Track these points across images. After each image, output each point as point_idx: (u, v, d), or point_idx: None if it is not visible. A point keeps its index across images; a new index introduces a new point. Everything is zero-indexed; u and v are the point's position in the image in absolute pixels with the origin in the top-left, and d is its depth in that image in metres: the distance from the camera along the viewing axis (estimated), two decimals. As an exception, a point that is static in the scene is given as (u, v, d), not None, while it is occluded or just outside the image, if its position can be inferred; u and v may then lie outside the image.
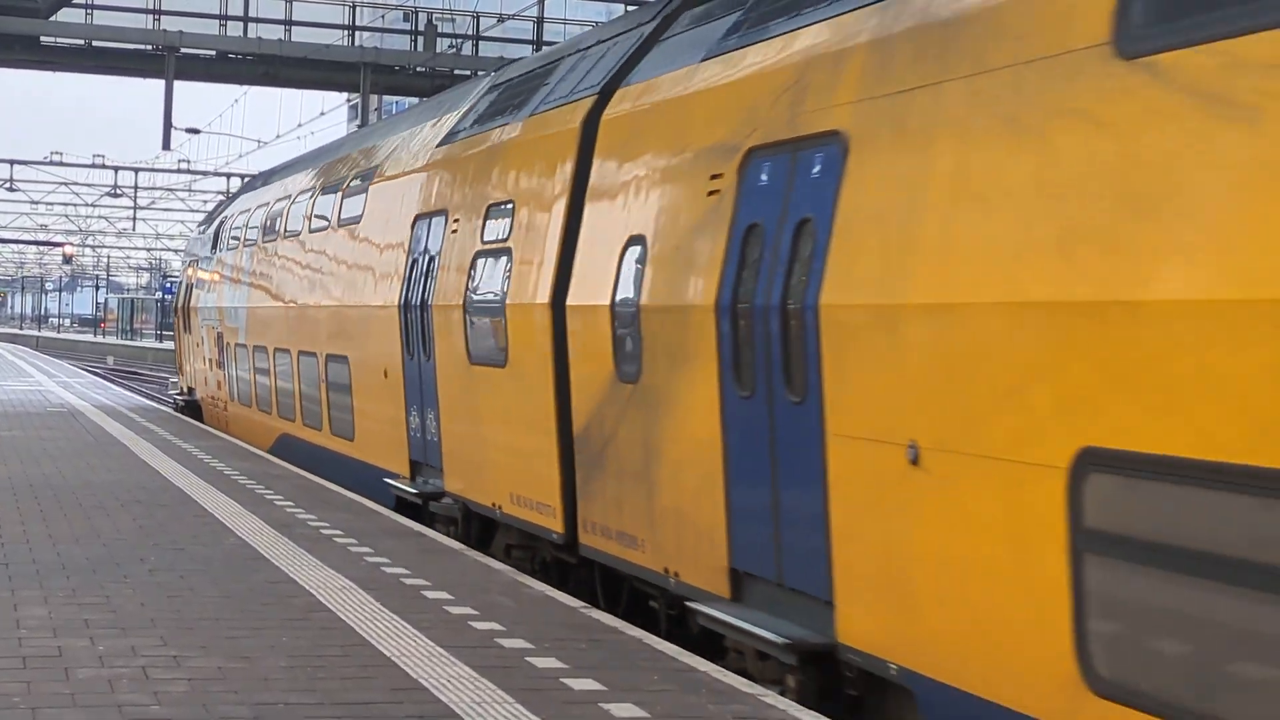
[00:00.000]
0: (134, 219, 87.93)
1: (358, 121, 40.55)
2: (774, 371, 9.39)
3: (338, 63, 36.54)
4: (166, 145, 37.66)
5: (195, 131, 52.59)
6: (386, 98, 40.77)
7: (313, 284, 21.43)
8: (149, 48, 35.90)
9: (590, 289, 12.24)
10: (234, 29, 37.17)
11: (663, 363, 10.94)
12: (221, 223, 30.31)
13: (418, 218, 17.03)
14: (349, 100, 53.42)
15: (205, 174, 72.08)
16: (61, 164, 77.21)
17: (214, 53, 36.74)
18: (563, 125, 13.40)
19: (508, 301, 13.88)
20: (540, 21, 38.21)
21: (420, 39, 37.63)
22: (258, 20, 37.29)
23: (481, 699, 8.15)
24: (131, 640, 9.39)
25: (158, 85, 36.25)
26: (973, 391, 7.48)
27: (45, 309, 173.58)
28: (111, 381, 47.96)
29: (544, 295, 13.07)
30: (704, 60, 11.22)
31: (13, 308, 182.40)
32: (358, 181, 20.18)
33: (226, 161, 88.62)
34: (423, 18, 37.81)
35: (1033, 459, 7.01)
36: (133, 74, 37.81)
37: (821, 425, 8.84)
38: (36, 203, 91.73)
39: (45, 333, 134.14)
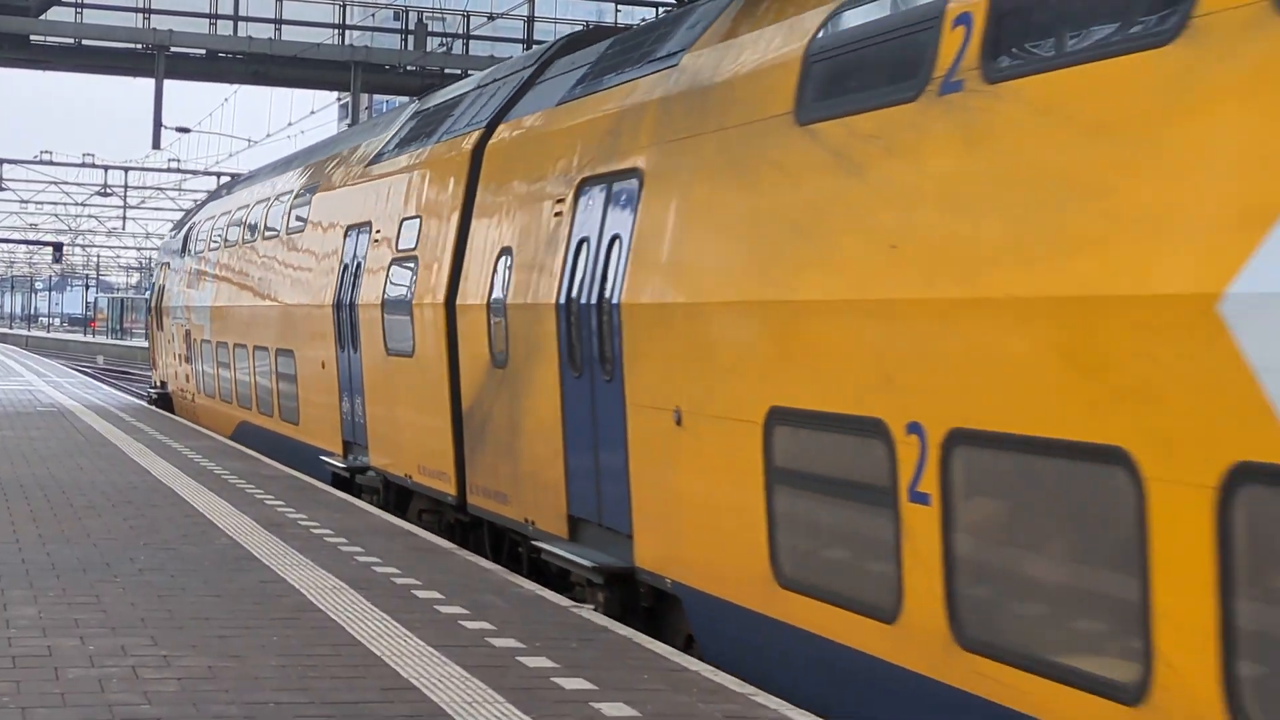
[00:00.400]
0: (124, 218, 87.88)
1: (348, 120, 40.53)
2: (593, 356, 11.93)
3: (328, 62, 36.51)
4: (156, 144, 37.62)
5: (185, 130, 52.52)
6: (377, 96, 40.76)
7: (266, 285, 23.78)
8: (139, 47, 35.86)
9: (474, 291, 14.70)
10: (224, 28, 37.13)
11: (522, 351, 13.47)
12: (190, 228, 32.77)
13: (349, 228, 19.47)
14: (339, 99, 53.39)
15: (195, 173, 71.98)
16: (51, 163, 77.06)
17: (204, 52, 36.70)
18: (457, 152, 16.02)
19: (413, 301, 16.36)
20: (531, 20, 38.21)
21: (410, 38, 37.61)
22: (248, 19, 37.26)
23: (472, 698, 8.15)
24: (122, 640, 9.39)
25: (148, 84, 36.20)
26: (709, 369, 10.17)
27: (35, 308, 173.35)
28: (101, 381, 47.90)
29: (440, 296, 15.58)
30: (558, 104, 13.90)
31: (2, 307, 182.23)
32: (304, 194, 22.49)
33: (217, 160, 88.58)
34: (413, 17, 37.79)
35: (743, 417, 9.63)
36: (123, 73, 37.77)
37: (623, 398, 11.37)
38: (26, 202, 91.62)
39: (35, 332, 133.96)
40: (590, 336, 11.95)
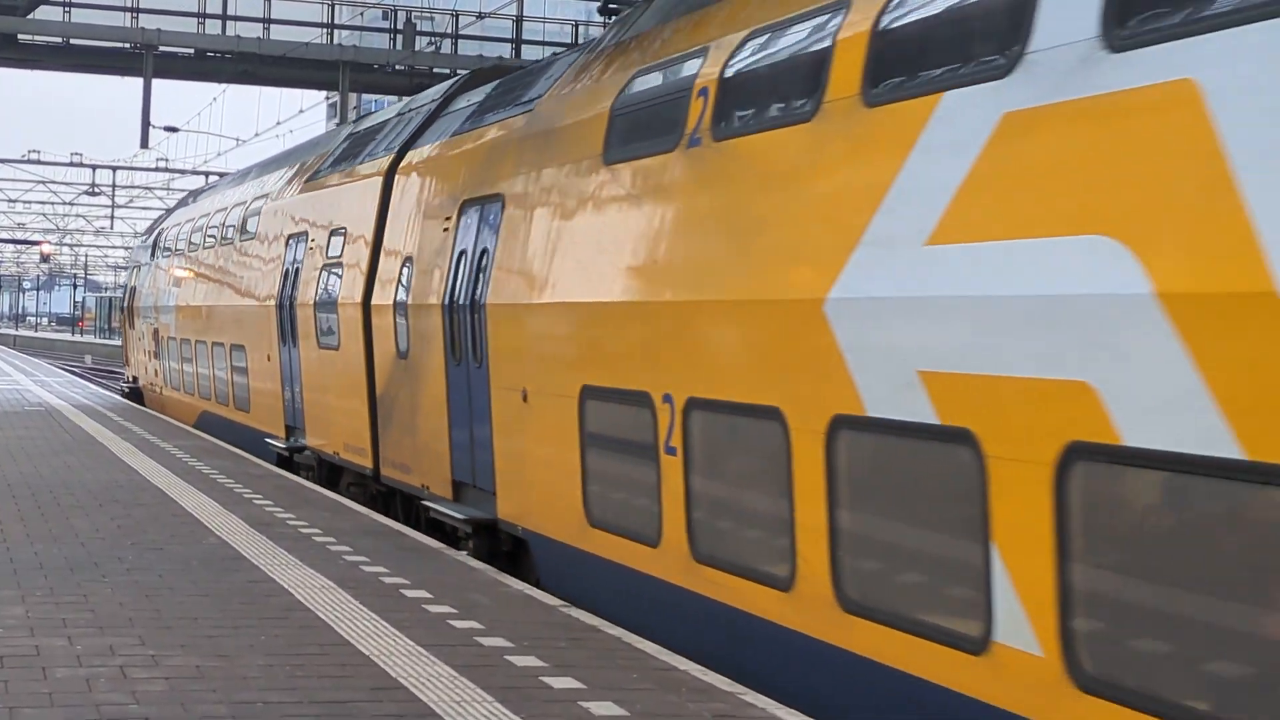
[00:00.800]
0: (112, 217, 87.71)
1: (336, 120, 40.49)
2: (468, 347, 14.57)
3: (316, 61, 36.47)
4: (145, 143, 37.56)
5: (174, 130, 52.45)
6: (365, 95, 40.74)
7: (223, 287, 26.46)
8: (127, 46, 35.81)
9: (385, 293, 17.42)
10: (212, 27, 37.09)
11: (418, 344, 16.19)
12: (159, 233, 35.91)
13: (289, 237, 22.31)
14: (328, 98, 53.33)
15: (184, 172, 71.87)
16: (39, 162, 76.98)
17: (192, 51, 36.65)
18: (373, 173, 18.75)
19: (339, 302, 19.11)
20: (519, 20, 38.20)
21: (399, 37, 37.58)
22: (236, 19, 37.21)
23: (461, 698, 8.15)
24: (109, 639, 9.37)
25: (136, 83, 36.12)
26: (544, 356, 12.92)
27: (23, 308, 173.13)
28: (89, 380, 47.82)
29: (358, 298, 18.29)
30: (451, 136, 16.64)
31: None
32: (255, 205, 25.29)
33: (205, 160, 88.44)
34: (401, 16, 37.77)
35: (565, 394, 12.27)
36: (111, 72, 37.72)
37: (488, 381, 14.08)
38: (14, 201, 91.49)
39: (23, 331, 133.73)
40: (466, 331, 14.69)
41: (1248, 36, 6.17)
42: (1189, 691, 6.36)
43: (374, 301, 17.72)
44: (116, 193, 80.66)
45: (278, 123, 54.95)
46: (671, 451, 10.56)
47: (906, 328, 8.10)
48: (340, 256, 19.34)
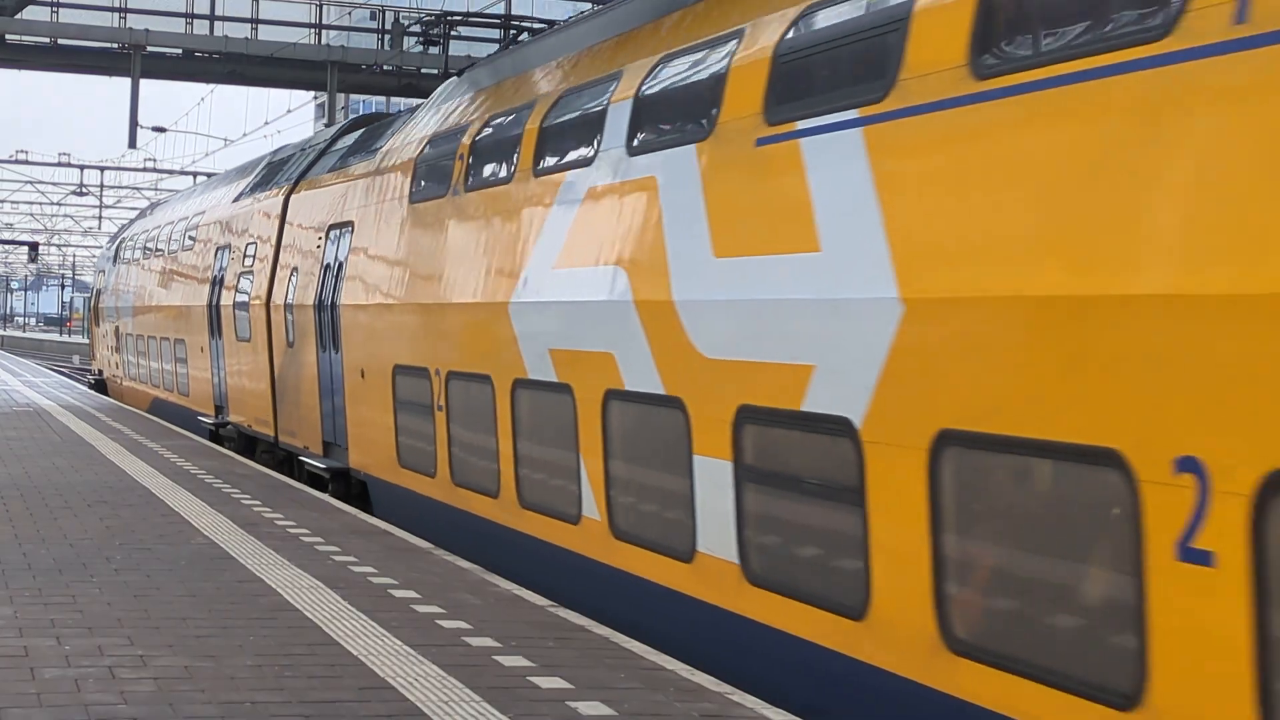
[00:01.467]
0: (100, 218, 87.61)
1: (324, 120, 40.46)
2: (331, 338, 18.84)
3: (304, 61, 36.45)
4: (133, 144, 37.52)
5: (161, 130, 52.39)
6: (353, 96, 40.70)
7: (169, 290, 31.14)
8: (115, 46, 35.76)
9: (280, 295, 21.77)
10: (200, 27, 37.06)
11: (300, 336, 20.56)
12: (120, 242, 40.37)
13: (218, 248, 26.84)
14: (316, 99, 53.26)
15: (172, 172, 71.80)
16: (27, 162, 76.86)
17: (180, 51, 36.60)
18: (276, 197, 23.36)
19: (250, 302, 23.48)
20: (506, 20, 38.16)
21: (387, 38, 37.56)
22: (224, 19, 37.19)
23: (449, 697, 8.16)
24: (98, 640, 9.38)
25: (124, 84, 36.10)
26: (373, 343, 17.17)
27: (10, 308, 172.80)
28: (78, 381, 47.75)
29: (262, 299, 22.72)
30: (328, 172, 21.11)
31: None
32: (195, 219, 30.03)
33: (193, 160, 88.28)
34: (389, 16, 37.75)
35: (385, 371, 16.64)
36: (99, 72, 37.65)
37: (343, 363, 18.38)
38: (2, 202, 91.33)
39: (10, 332, 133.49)
40: (329, 326, 19.06)
41: (681, 153, 10.75)
42: None
43: (273, 302, 22.16)
44: (105, 193, 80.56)
45: (265, 123, 55.06)
46: (440, 409, 15.12)
47: (543, 322, 12.63)
48: (252, 265, 23.92)
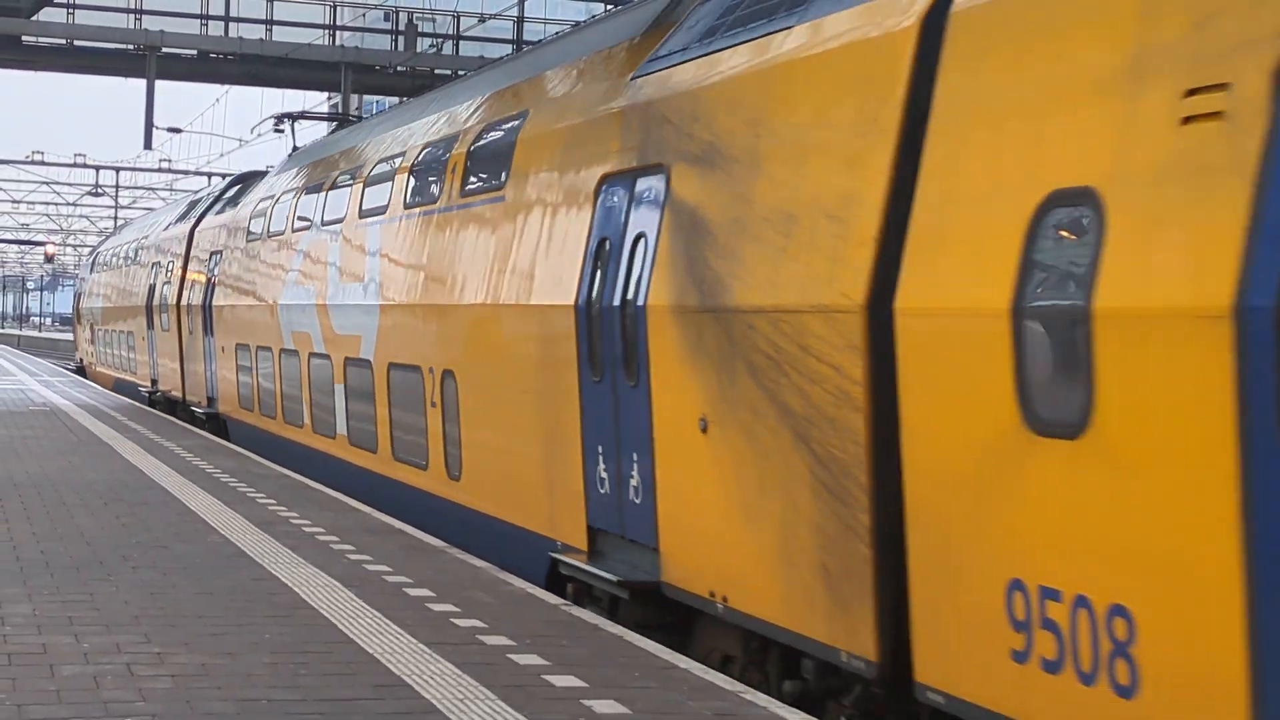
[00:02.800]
0: (115, 218, 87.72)
1: (337, 122, 40.50)
2: (209, 327, 26.52)
3: (318, 62, 36.54)
4: (148, 144, 37.63)
5: (177, 131, 52.51)
6: (367, 97, 40.75)
7: (126, 293, 39.65)
8: (130, 47, 35.88)
9: (185, 299, 29.60)
10: (215, 28, 37.16)
11: (195, 327, 27.97)
12: (97, 255, 51.38)
13: (153, 264, 35.13)
14: (330, 99, 53.31)
15: (187, 173, 71.97)
16: (43, 163, 77.04)
17: (195, 52, 36.71)
18: (186, 228, 31.48)
19: (168, 304, 31.59)
20: (520, 21, 38.25)
21: (401, 39, 37.64)
22: (239, 20, 37.29)
23: (464, 695, 8.22)
24: (116, 637, 9.45)
25: (139, 85, 36.21)
26: (228, 328, 25.29)
27: (26, 308, 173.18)
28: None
29: (173, 301, 30.90)
30: (214, 215, 29.69)
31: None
32: (144, 240, 38.41)
33: (208, 160, 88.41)
34: (403, 17, 37.83)
35: (230, 346, 25.21)
36: (114, 73, 37.79)
37: (215, 342, 26.17)
38: (18, 202, 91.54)
39: (27, 331, 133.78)
40: (209, 318, 26.93)
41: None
42: None
43: (182, 304, 30.25)
44: (120, 193, 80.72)
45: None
46: (246, 367, 24.00)
47: (364, 320, 17.49)
48: (170, 277, 32.19)
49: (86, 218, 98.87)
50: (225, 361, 25.74)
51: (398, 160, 17.38)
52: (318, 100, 49.37)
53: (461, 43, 38.27)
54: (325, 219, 19.99)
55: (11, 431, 24.21)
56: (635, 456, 10.61)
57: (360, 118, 30.05)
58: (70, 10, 35.92)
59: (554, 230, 12.27)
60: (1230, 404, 5.74)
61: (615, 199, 11.20)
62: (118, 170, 77.23)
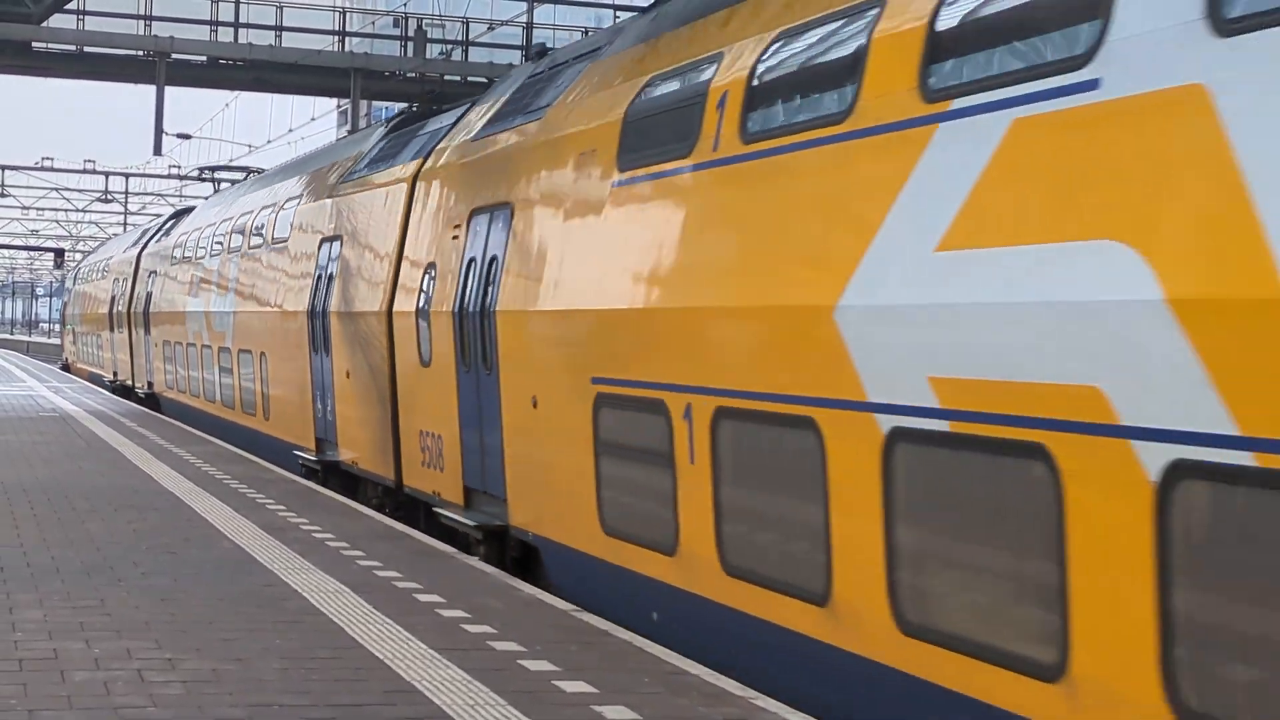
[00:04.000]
0: (124, 224, 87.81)
1: (348, 127, 40.59)
2: (144, 325, 36.98)
3: (328, 68, 36.59)
4: (158, 150, 37.71)
5: (186, 137, 52.62)
6: (376, 103, 40.79)
7: (98, 303, 47.65)
8: (140, 53, 35.95)
9: (131, 306, 38.80)
10: (224, 34, 37.20)
11: (134, 326, 38.86)
12: (78, 271, 61.95)
13: (115, 278, 43.46)
14: (339, 105, 53.36)
15: (196, 179, 71.97)
16: (52, 169, 77.08)
17: (205, 58, 36.78)
18: (135, 252, 40.77)
19: (119, 310, 41.32)
20: (529, 28, 38.28)
21: (410, 45, 37.67)
22: (248, 26, 37.34)
23: (474, 701, 8.23)
24: (126, 643, 9.47)
25: (149, 90, 36.26)
26: (162, 324, 34.22)
27: (36, 314, 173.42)
28: (101, 385, 47.94)
29: (124, 308, 40.45)
30: (155, 244, 39.72)
31: (3, 313, 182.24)
32: (107, 261, 48.16)
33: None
34: (413, 24, 37.86)
35: (170, 343, 33.65)
36: (124, 79, 37.87)
37: (149, 336, 36.19)
38: (27, 208, 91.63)
39: (36, 338, 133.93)
40: (144, 319, 35.77)
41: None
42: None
43: (131, 311, 38.82)
44: (130, 199, 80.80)
45: (289, 129, 55.23)
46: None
47: (228, 321, 25.98)
48: (124, 291, 41.02)
49: (96, 224, 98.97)
50: (157, 354, 34.47)
51: (238, 218, 27.35)
52: (327, 107, 49.33)
53: (471, 49, 38.31)
54: (212, 250, 28.83)
55: (21, 437, 24.25)
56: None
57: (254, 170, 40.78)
58: (80, 16, 35.99)
59: (296, 266, 22.52)
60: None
61: (328, 249, 20.83)
62: (127, 176, 77.36)
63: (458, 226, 15.22)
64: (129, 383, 40.35)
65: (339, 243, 20.03)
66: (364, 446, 18.56)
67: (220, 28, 37.11)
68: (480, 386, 14.28)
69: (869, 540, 7.90)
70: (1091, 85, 6.61)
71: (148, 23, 36.36)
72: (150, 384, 36.23)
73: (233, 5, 37.27)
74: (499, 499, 13.89)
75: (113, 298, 44.38)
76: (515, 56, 36.75)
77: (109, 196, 77.24)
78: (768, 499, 9.25)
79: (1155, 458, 6.08)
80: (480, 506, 14.58)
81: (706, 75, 10.35)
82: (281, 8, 37.69)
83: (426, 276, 16.00)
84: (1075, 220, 6.58)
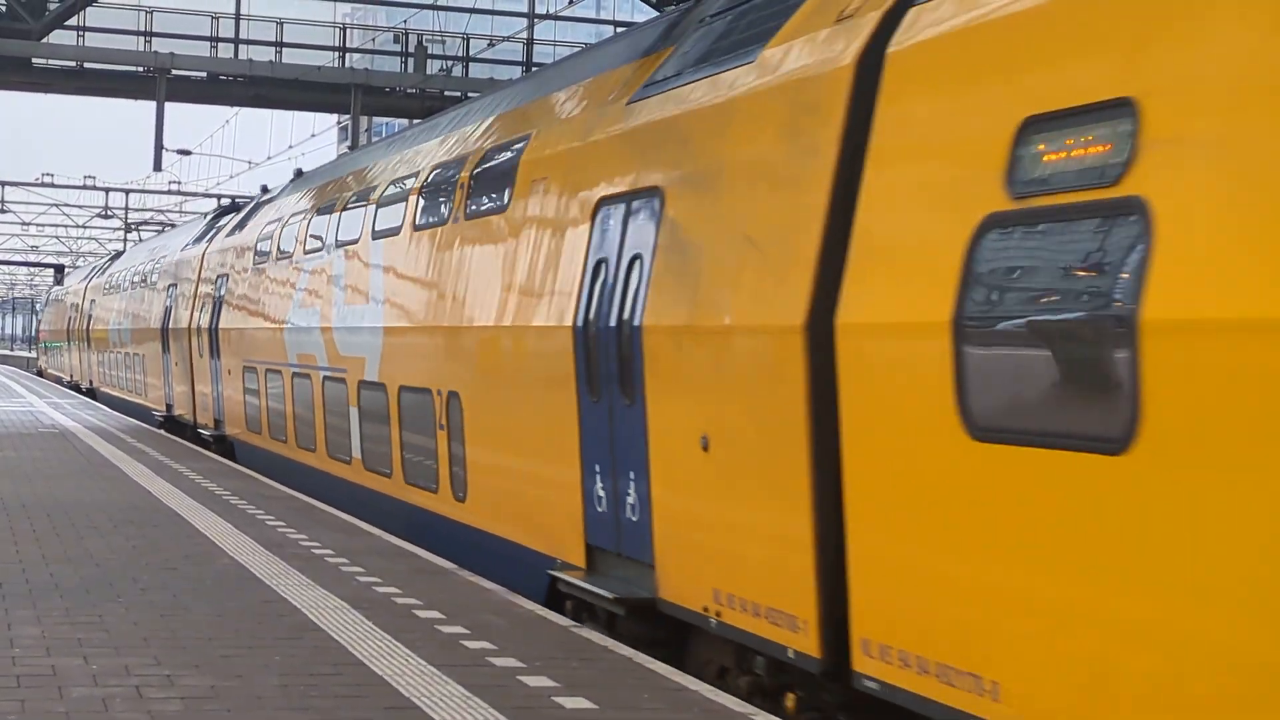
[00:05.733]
0: (125, 240, 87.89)
1: (348, 143, 40.62)
2: (86, 334, 52.07)
3: (328, 84, 36.63)
4: (158, 167, 37.73)
5: (186, 153, 52.66)
6: (377, 119, 40.83)
7: (61, 320, 61.16)
8: (140, 69, 35.99)
9: (93, 327, 50.64)
10: (225, 51, 37.25)
11: (78, 339, 54.51)
12: (48, 295, 76.36)
13: (70, 304, 58.02)
14: (339, 121, 53.41)
15: (196, 195, 72.11)
16: (52, 185, 77.17)
17: (205, 74, 36.81)
18: (84, 286, 55.68)
19: (75, 328, 55.55)
20: (530, 44, 38.32)
21: (410, 60, 37.71)
22: (249, 42, 37.39)
23: (474, 717, 8.20)
24: (125, 659, 9.44)
25: (149, 107, 36.28)
26: (103, 338, 47.05)
27: (36, 330, 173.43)
28: (101, 401, 47.96)
29: (81, 329, 53.52)
30: (99, 279, 52.67)
31: (3, 329, 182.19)
32: (71, 290, 59.58)
33: (218, 183, 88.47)
34: (413, 40, 37.90)
35: (113, 348, 44.95)
36: (124, 96, 37.89)
37: (99, 350, 48.48)
38: (27, 224, 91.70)
39: (36, 354, 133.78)
40: (86, 336, 50.52)
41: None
42: None
43: (87, 327, 49.20)
44: (130, 215, 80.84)
45: (290, 146, 55.33)
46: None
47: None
48: (79, 312, 52.17)
49: (96, 240, 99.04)
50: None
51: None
52: (327, 123, 49.36)
53: (471, 65, 38.33)
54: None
55: (21, 453, 24.23)
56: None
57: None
58: (80, 33, 36.04)
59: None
60: None
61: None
62: (127, 193, 77.42)
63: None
64: (80, 381, 48.38)
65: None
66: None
67: (220, 44, 37.16)
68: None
69: None
70: None
71: (148, 39, 36.41)
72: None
73: (233, 22, 37.32)
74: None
75: (70, 318, 54.53)
76: (515, 72, 36.79)
77: (109, 212, 77.31)
78: None
79: None
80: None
81: None
82: (282, 24, 37.74)
83: None
84: None
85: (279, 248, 23.41)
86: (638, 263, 10.96)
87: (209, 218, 34.81)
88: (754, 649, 9.43)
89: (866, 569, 8.13)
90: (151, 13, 36.79)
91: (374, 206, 18.35)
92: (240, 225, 30.02)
